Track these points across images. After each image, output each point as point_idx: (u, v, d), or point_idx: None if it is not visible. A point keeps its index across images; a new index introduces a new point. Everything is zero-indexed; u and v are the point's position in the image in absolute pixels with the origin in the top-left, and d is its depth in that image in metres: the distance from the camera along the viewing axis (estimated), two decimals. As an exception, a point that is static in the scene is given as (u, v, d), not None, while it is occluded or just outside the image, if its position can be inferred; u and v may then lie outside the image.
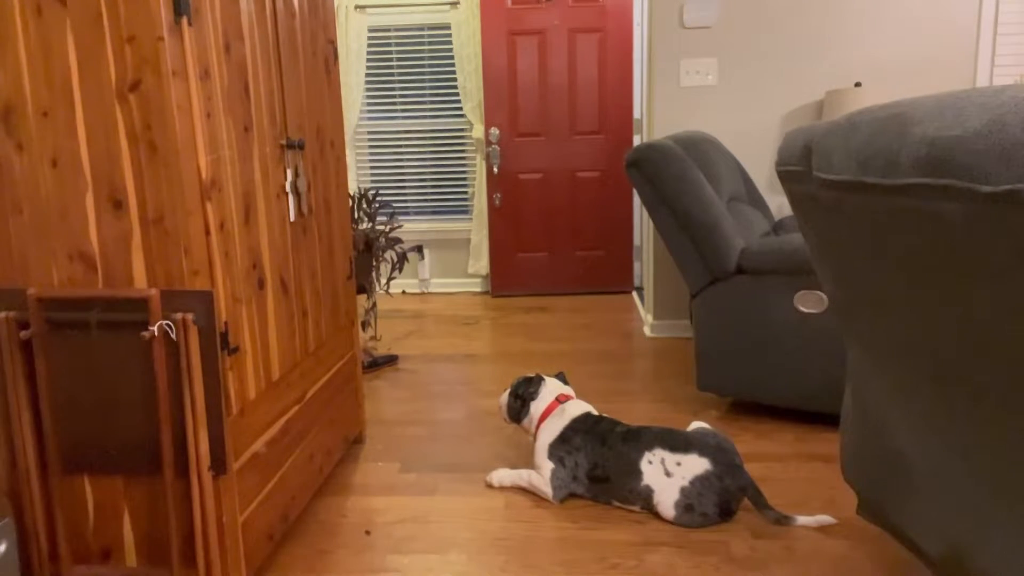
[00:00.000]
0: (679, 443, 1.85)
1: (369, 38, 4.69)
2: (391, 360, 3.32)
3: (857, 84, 3.31)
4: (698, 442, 1.85)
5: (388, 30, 4.70)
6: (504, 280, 4.71)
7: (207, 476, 1.39)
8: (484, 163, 4.64)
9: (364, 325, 3.41)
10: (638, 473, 1.85)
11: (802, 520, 1.77)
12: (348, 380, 2.24)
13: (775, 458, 2.18)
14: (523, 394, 2.11)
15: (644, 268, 3.78)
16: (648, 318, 3.70)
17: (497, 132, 4.56)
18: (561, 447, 1.97)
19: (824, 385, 2.30)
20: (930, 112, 0.87)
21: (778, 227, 3.22)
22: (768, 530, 1.78)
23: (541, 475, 1.99)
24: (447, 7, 4.58)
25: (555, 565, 1.68)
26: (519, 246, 4.68)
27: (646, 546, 1.74)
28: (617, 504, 1.92)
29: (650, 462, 1.85)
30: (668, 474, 1.82)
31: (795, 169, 1.26)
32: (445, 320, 4.13)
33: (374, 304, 3.43)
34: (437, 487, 2.08)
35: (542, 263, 4.72)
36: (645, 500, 1.86)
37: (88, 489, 1.45)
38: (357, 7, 4.58)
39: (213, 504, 1.40)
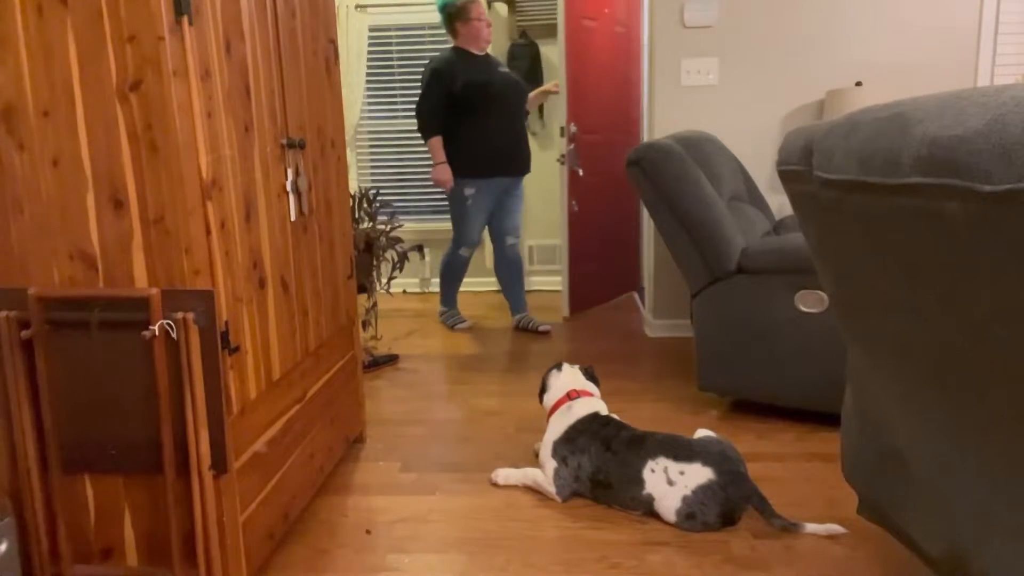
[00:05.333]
0: (683, 452, 1.83)
1: (370, 37, 4.69)
2: (392, 360, 3.32)
3: (858, 83, 3.31)
4: (702, 451, 1.82)
5: (389, 29, 4.70)
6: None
7: (208, 475, 1.39)
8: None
9: (365, 324, 3.41)
10: (640, 481, 1.84)
11: (811, 528, 1.75)
12: (349, 379, 2.24)
13: (776, 458, 2.18)
14: (543, 381, 2.21)
15: (644, 268, 3.78)
16: (648, 318, 3.70)
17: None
18: (565, 447, 1.97)
19: (825, 385, 2.30)
20: (931, 112, 0.87)
21: (779, 227, 3.21)
22: (769, 530, 1.78)
23: (545, 473, 1.99)
24: (448, 7, 4.58)
25: (555, 565, 1.68)
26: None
27: (647, 546, 1.74)
28: (619, 508, 1.92)
29: (652, 471, 1.83)
30: (671, 483, 1.81)
31: (796, 168, 1.26)
32: (446, 320, 4.13)
33: (375, 303, 3.43)
34: (437, 487, 2.08)
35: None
36: (647, 507, 1.85)
37: (89, 488, 1.45)
38: (358, 6, 4.58)
39: (214, 503, 1.40)
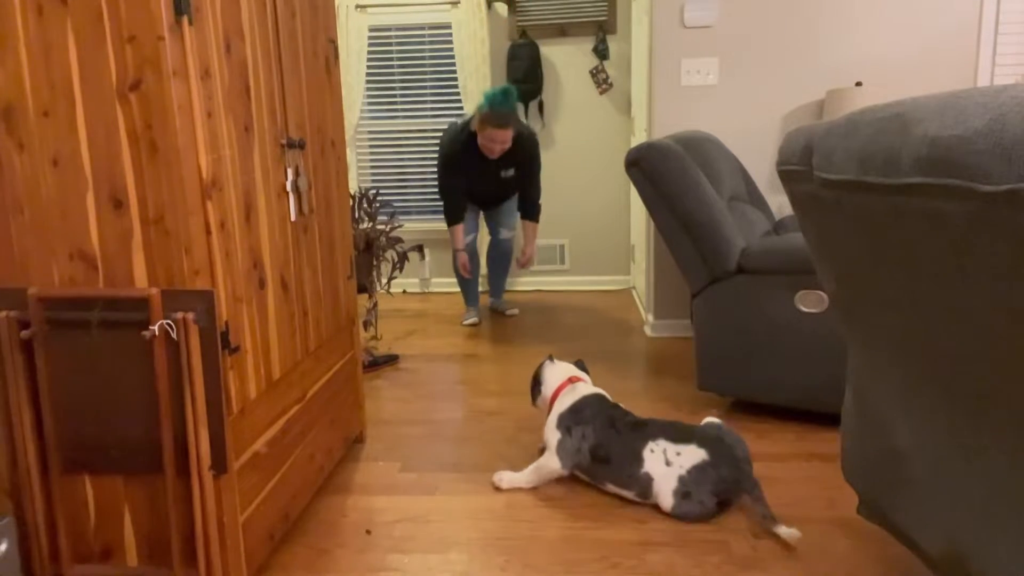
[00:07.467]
0: (681, 434, 1.90)
1: (370, 37, 4.69)
2: (391, 359, 3.32)
3: (858, 83, 3.31)
4: (699, 434, 1.89)
5: (389, 29, 4.70)
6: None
7: (208, 475, 1.39)
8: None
9: (365, 324, 3.41)
10: (639, 460, 1.89)
11: (781, 531, 1.73)
12: (348, 380, 2.24)
13: (776, 458, 2.18)
14: (538, 375, 2.23)
15: (647, 267, 3.78)
16: (648, 318, 3.70)
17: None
18: (570, 417, 2.02)
19: (825, 384, 2.30)
20: (931, 111, 0.87)
21: (779, 227, 3.21)
22: (769, 530, 1.78)
23: (549, 447, 2.02)
24: (448, 6, 4.58)
25: (555, 565, 1.68)
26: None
27: (647, 546, 1.74)
28: (612, 488, 1.95)
29: (652, 451, 1.88)
30: (668, 463, 1.86)
31: (796, 168, 1.26)
32: (446, 320, 4.13)
33: (375, 303, 3.43)
34: (437, 487, 2.08)
35: (543, 263, 4.71)
36: (642, 488, 1.88)
37: (89, 488, 1.45)
38: (358, 6, 4.58)
39: (214, 503, 1.40)
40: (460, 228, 3.79)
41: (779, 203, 3.54)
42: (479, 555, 1.73)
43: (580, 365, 2.27)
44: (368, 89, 4.78)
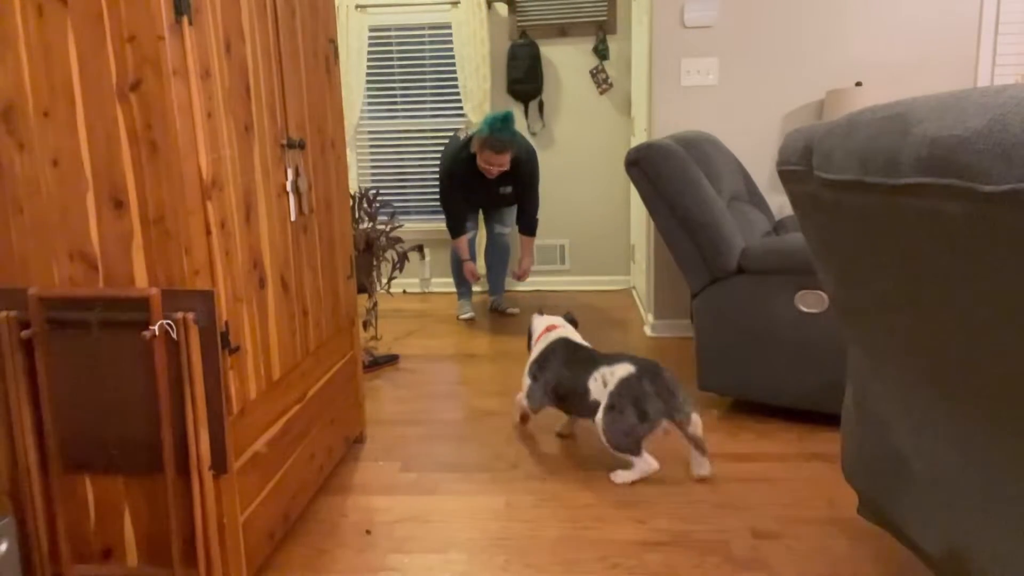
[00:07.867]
0: (618, 358, 2.11)
1: (370, 37, 4.69)
2: (392, 360, 3.32)
3: (858, 84, 3.31)
4: (633, 357, 2.10)
5: (389, 29, 4.70)
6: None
7: (208, 475, 1.39)
8: (485, 163, 4.63)
9: (365, 325, 3.41)
10: (587, 391, 2.12)
11: (696, 461, 2.01)
12: (349, 380, 2.24)
13: (776, 458, 2.18)
14: (529, 326, 2.52)
15: (647, 267, 3.78)
16: (648, 318, 3.70)
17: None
18: (536, 365, 2.30)
19: (825, 385, 2.30)
20: (931, 112, 0.87)
21: (779, 227, 3.21)
22: (769, 530, 1.78)
23: (523, 391, 2.32)
24: (448, 6, 4.58)
25: (555, 564, 1.68)
26: (520, 246, 4.68)
27: (646, 546, 1.74)
28: (577, 418, 2.24)
29: (595, 379, 2.10)
30: (605, 385, 2.07)
31: (796, 169, 1.26)
32: (446, 320, 4.13)
33: (375, 304, 3.43)
34: (437, 487, 2.08)
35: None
36: (593, 415, 2.09)
37: (89, 488, 1.45)
38: (358, 6, 4.58)
39: (214, 503, 1.40)
40: (464, 240, 3.90)
41: (779, 203, 3.54)
42: (479, 555, 1.73)
43: (568, 317, 2.49)
44: (368, 89, 4.77)
